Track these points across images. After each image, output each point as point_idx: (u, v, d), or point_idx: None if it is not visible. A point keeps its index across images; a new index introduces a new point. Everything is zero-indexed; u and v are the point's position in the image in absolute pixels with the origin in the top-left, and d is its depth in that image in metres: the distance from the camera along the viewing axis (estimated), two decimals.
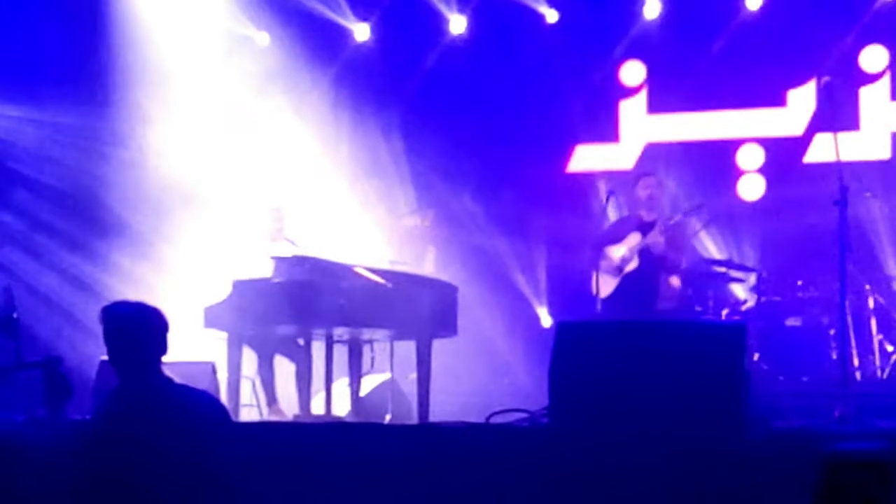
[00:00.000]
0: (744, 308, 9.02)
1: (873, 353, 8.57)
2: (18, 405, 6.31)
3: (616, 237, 8.96)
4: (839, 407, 6.79)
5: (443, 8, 11.03)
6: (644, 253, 8.76)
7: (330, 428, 6.97)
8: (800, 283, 8.91)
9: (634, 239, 8.81)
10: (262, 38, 11.07)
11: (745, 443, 5.49)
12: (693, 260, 9.16)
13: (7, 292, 6.12)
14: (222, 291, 7.73)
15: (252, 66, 10.68)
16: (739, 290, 9.49)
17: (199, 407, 4.82)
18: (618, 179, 9.98)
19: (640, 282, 8.74)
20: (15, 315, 6.04)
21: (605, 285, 8.82)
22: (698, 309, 8.85)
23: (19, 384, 6.72)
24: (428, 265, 9.81)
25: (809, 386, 8.29)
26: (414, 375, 8.60)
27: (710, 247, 10.15)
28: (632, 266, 8.79)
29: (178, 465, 4.53)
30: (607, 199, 8.95)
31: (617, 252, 8.87)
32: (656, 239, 8.69)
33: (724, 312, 8.90)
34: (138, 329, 4.69)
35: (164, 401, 4.69)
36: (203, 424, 4.71)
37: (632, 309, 8.58)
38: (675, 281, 8.80)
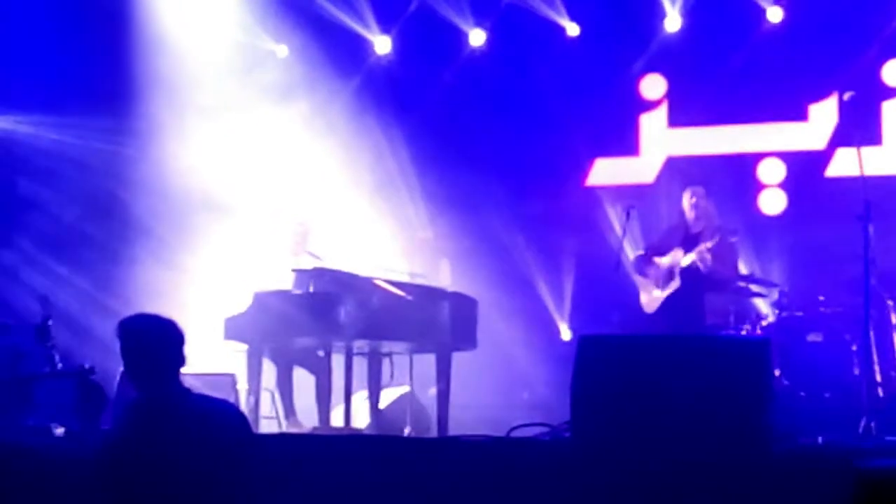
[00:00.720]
0: (765, 323, 8.96)
1: (895, 369, 8.50)
2: (52, 414, 6.31)
3: (661, 249, 8.93)
4: (863, 422, 6.73)
5: (462, 21, 11.03)
6: (687, 272, 8.68)
7: (350, 440, 6.95)
8: (821, 298, 8.83)
9: (677, 256, 8.76)
10: (282, 50, 11.09)
11: (770, 458, 5.45)
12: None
13: (44, 301, 6.14)
14: (243, 303, 7.73)
15: (272, 78, 10.70)
16: (761, 305, 9.42)
17: (219, 416, 4.81)
18: (638, 194, 9.96)
19: (685, 301, 8.65)
20: (50, 323, 6.05)
21: (650, 300, 8.84)
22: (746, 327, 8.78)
23: (52, 392, 6.75)
24: (443, 278, 9.79)
25: (831, 402, 8.20)
26: (433, 391, 8.60)
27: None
28: (674, 286, 8.72)
29: (199, 475, 4.52)
30: (628, 214, 8.92)
31: (662, 264, 8.84)
32: (703, 255, 8.57)
33: (746, 328, 8.84)
34: (154, 342, 4.70)
35: (183, 411, 4.68)
36: (224, 433, 4.70)
37: (679, 327, 8.52)
38: (727, 294, 8.69)
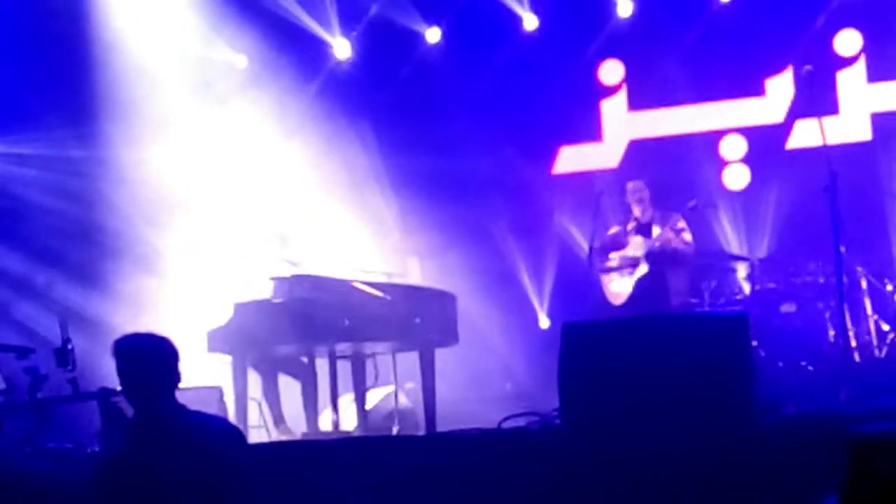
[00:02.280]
0: (738, 297, 9.11)
1: (870, 334, 8.65)
2: (72, 436, 6.34)
3: (617, 242, 9.23)
4: (844, 388, 6.86)
5: (420, 20, 11.09)
6: (649, 255, 9.00)
7: (341, 444, 7.00)
8: (792, 269, 8.98)
9: (638, 241, 9.02)
10: (241, 60, 11.11)
11: (757, 430, 5.56)
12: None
13: (63, 324, 6.16)
14: (224, 315, 7.76)
15: (234, 87, 10.71)
16: (733, 280, 9.56)
17: (215, 432, 4.85)
18: (607, 178, 10.09)
19: (652, 283, 8.98)
20: (70, 346, 6.07)
21: (618, 292, 9.07)
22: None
23: (73, 414, 6.78)
24: (413, 276, 9.85)
25: (809, 370, 8.35)
26: (411, 384, 8.68)
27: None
28: (641, 271, 9.00)
29: (196, 493, 4.56)
30: (598, 198, 9.07)
31: (624, 255, 9.13)
32: (667, 235, 8.96)
33: (721, 302, 8.99)
34: (150, 360, 4.72)
35: (179, 429, 4.71)
36: (220, 450, 4.74)
37: (648, 310, 8.75)
38: (685, 270, 8.95)
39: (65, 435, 6.33)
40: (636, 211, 9.30)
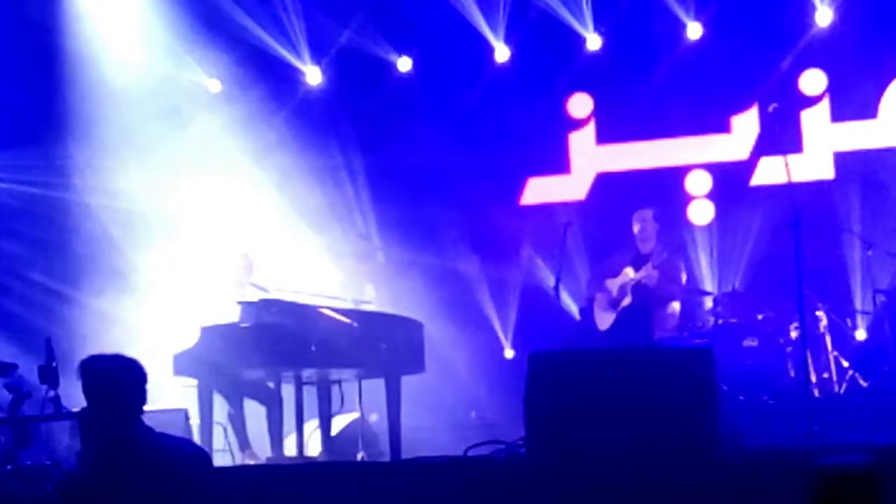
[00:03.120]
0: (702, 330, 9.20)
1: (829, 370, 8.77)
2: (51, 454, 6.31)
3: (613, 270, 9.22)
4: (804, 423, 6.95)
5: (391, 49, 11.17)
6: (637, 288, 9.00)
7: (305, 469, 7.02)
8: (755, 304, 9.08)
9: (628, 273, 9.05)
10: (215, 84, 11.14)
11: (720, 462, 5.63)
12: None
13: (48, 343, 6.15)
14: (190, 338, 7.76)
15: (205, 110, 10.74)
16: (697, 313, 9.67)
17: (181, 455, 4.87)
18: (575, 210, 10.17)
19: (636, 315, 8.98)
20: (54, 364, 6.06)
21: (604, 319, 9.10)
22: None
23: (53, 432, 6.75)
24: (370, 304, 9.88)
25: (770, 404, 8.44)
26: (375, 416, 8.70)
27: None
28: (627, 301, 9.05)
29: None
30: (565, 231, 9.12)
31: (613, 285, 9.14)
32: (650, 272, 8.94)
33: (685, 335, 9.08)
34: (117, 382, 4.73)
35: (145, 450, 4.73)
36: (186, 473, 4.76)
37: (630, 342, 8.77)
38: (673, 308, 9.02)
39: (45, 453, 6.31)
40: (637, 240, 9.22)
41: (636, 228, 9.21)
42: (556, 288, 8.89)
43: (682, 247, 9.33)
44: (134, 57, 10.62)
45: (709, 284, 10.28)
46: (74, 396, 5.83)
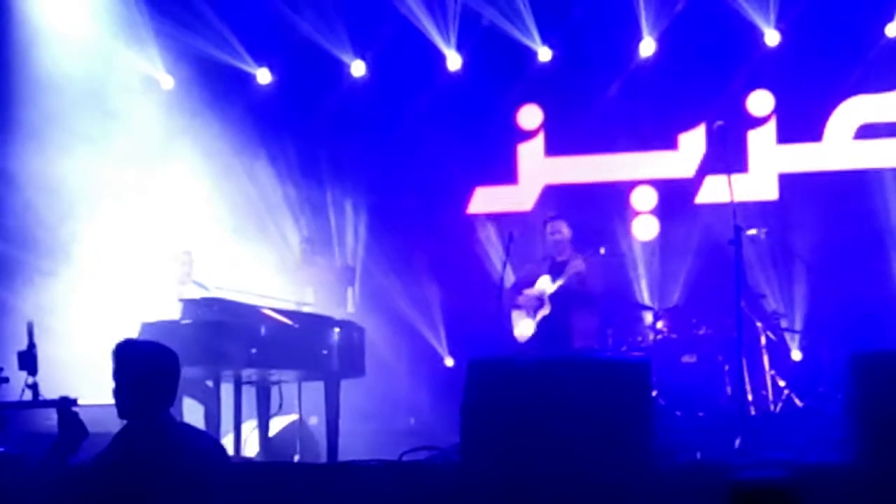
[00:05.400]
0: (641, 344, 9.27)
1: (766, 388, 8.87)
2: (26, 443, 6.20)
3: (531, 280, 9.27)
4: (738, 440, 7.03)
5: (343, 52, 11.18)
6: (554, 297, 9.07)
7: (241, 469, 6.97)
8: (694, 320, 9.18)
9: (544, 282, 9.10)
10: (167, 80, 11.09)
11: (652, 476, 5.67)
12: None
13: (30, 329, 6.06)
14: (130, 334, 7.70)
15: (156, 108, 10.68)
16: (637, 328, 9.75)
17: (201, 445, 5.00)
18: (519, 220, 10.21)
19: (555, 324, 9.06)
20: (35, 352, 5.97)
21: (524, 329, 9.14)
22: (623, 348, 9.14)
23: (29, 421, 6.67)
24: (349, 305, 9.89)
25: (706, 420, 8.52)
26: (315, 419, 8.68)
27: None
28: (545, 311, 9.10)
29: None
30: (509, 240, 9.17)
31: (531, 294, 9.18)
32: (578, 268, 9.00)
33: (623, 349, 9.15)
34: (161, 371, 4.83)
35: (172, 439, 4.81)
36: (205, 464, 4.87)
37: (550, 351, 8.83)
38: (591, 316, 9.07)
39: (19, 441, 6.21)
40: (552, 250, 9.31)
41: (550, 239, 9.30)
42: (500, 294, 8.94)
43: (609, 255, 9.38)
44: (83, 44, 10.51)
45: (649, 299, 10.37)
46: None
